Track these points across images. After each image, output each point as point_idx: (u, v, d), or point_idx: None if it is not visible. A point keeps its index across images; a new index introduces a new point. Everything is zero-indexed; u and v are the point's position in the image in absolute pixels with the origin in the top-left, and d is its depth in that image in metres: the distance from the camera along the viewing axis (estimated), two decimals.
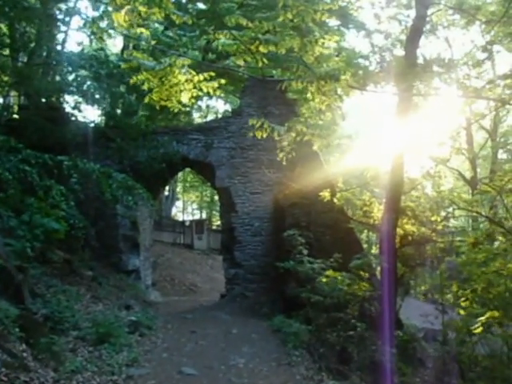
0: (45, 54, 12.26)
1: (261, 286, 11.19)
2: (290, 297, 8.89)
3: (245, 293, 11.23)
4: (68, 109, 11.50)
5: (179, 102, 5.74)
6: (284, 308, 9.75)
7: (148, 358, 6.48)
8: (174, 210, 30.44)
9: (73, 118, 11.13)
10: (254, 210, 11.79)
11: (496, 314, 6.93)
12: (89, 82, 10.01)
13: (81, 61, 9.82)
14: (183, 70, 5.31)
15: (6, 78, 11.58)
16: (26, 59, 11.95)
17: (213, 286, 16.39)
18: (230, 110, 22.04)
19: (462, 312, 7.98)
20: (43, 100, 11.33)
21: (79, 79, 10.08)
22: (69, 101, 10.93)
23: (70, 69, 10.03)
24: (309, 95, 5.86)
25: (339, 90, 5.62)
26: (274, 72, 14.33)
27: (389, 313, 7.65)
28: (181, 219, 29.28)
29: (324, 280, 7.99)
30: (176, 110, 6.10)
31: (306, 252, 8.92)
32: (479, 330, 7.12)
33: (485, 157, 24.02)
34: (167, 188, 24.05)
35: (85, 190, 8.44)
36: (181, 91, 5.49)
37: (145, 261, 12.06)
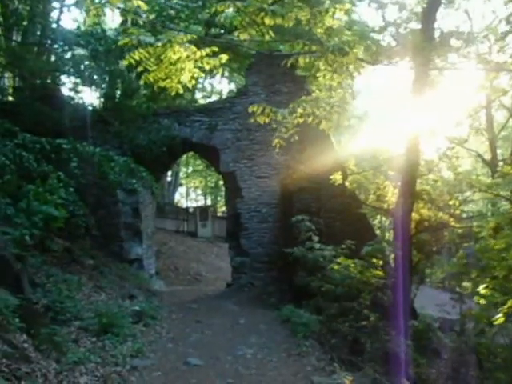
0: (39, 32, 12.14)
1: (268, 275, 11.20)
2: (300, 286, 8.89)
3: (252, 282, 11.25)
4: (65, 90, 11.45)
5: (179, 82, 5.50)
6: (293, 297, 9.71)
7: (153, 349, 6.52)
8: (176, 197, 30.50)
9: (70, 101, 11.05)
10: (261, 195, 11.72)
11: None
12: (86, 62, 9.86)
13: (77, 38, 9.67)
14: (184, 46, 5.08)
15: None
16: (19, 38, 11.84)
17: (218, 275, 16.51)
18: (234, 89, 21.84)
19: (481, 301, 7.90)
20: (38, 81, 11.26)
21: (76, 58, 9.94)
22: (65, 82, 10.84)
23: (66, 47, 9.88)
24: (318, 72, 5.70)
25: (350, 67, 5.44)
26: (281, 47, 14.10)
27: (403, 302, 7.62)
28: (184, 206, 29.37)
29: (335, 268, 7.94)
30: (176, 92, 5.87)
31: (316, 239, 8.88)
32: (501, 319, 6.99)
33: (505, 138, 23.59)
34: (169, 173, 24.07)
35: (85, 176, 8.45)
36: (181, 69, 5.27)
37: (147, 249, 12.11)
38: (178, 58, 5.19)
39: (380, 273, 7.97)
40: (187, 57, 5.17)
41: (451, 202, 10.38)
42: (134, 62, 5.29)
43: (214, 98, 24.05)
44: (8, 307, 4.93)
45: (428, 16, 8.44)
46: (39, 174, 7.01)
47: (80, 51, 10.05)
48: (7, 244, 5.97)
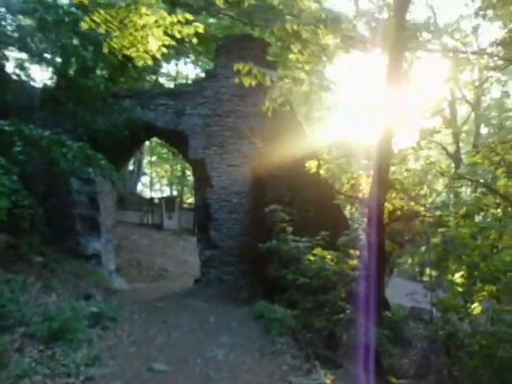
0: None
1: (239, 269, 10.88)
2: (272, 279, 8.66)
3: (222, 277, 10.89)
4: (9, 67, 10.43)
5: (146, 52, 5.03)
6: (265, 292, 9.51)
7: (112, 355, 6.06)
8: (139, 187, 29.49)
9: (14, 77, 10.05)
10: (232, 184, 11.33)
11: (493, 288, 6.97)
12: (33, 34, 8.92)
13: (22, 5, 8.70)
14: (152, 9, 4.65)
15: None
16: None
17: (185, 270, 16.02)
18: (201, 74, 21.15)
19: (459, 289, 7.99)
20: None
21: (21, 29, 8.99)
22: (8, 56, 9.80)
23: (9, 16, 8.89)
24: (291, 56, 5.45)
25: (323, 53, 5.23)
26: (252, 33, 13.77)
27: (377, 292, 7.59)
28: (148, 196, 28.40)
29: (311, 259, 7.74)
30: (142, 64, 5.36)
31: (290, 230, 8.61)
32: (478, 309, 7.18)
33: (467, 132, 25.25)
34: (132, 162, 23.13)
35: (31, 163, 7.66)
36: (148, 36, 4.80)
37: (107, 243, 11.41)
38: (144, 25, 4.72)
39: (355, 263, 7.87)
40: (155, 22, 4.73)
41: (422, 192, 10.53)
42: (93, 26, 4.70)
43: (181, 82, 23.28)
44: None
45: (401, 6, 8.23)
46: None
47: (27, 21, 9.12)
48: None
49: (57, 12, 8.51)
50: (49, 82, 11.33)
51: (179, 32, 4.83)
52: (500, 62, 8.30)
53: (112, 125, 10.12)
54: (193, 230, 20.79)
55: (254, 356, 6.48)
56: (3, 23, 8.60)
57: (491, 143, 9.00)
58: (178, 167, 29.14)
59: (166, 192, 32.82)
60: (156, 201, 24.41)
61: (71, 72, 10.11)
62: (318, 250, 7.88)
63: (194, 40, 5.32)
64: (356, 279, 7.83)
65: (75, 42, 9.26)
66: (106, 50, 5.09)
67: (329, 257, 7.75)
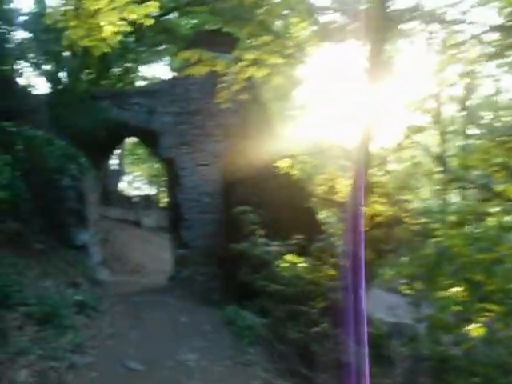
0: None
1: (211, 270, 10.91)
2: (243, 283, 8.40)
3: (194, 276, 11.00)
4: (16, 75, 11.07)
5: (103, 40, 4.92)
6: (236, 295, 9.32)
7: (92, 345, 6.47)
8: (122, 185, 30.03)
9: (17, 85, 10.80)
10: (202, 184, 11.45)
11: (496, 308, 5.75)
12: (28, 43, 9.60)
13: (18, 17, 9.38)
14: None
15: None
16: None
17: (161, 267, 16.41)
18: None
19: (456, 308, 6.54)
20: None
21: (21, 41, 9.67)
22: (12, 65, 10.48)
23: (11, 28, 9.53)
24: (263, 56, 5.27)
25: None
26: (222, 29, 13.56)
27: (356, 305, 6.88)
28: (129, 194, 29.04)
29: (283, 266, 7.55)
30: (100, 53, 5.41)
31: (261, 232, 8.49)
32: (480, 331, 5.67)
33: (454, 132, 23.01)
34: (114, 161, 23.71)
35: (30, 161, 8.35)
36: (102, 24, 4.65)
37: (93, 236, 11.91)
38: (99, 10, 4.52)
39: (332, 272, 7.48)
40: (109, 3, 4.48)
41: (406, 197, 9.99)
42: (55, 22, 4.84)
43: None
44: None
45: None
46: None
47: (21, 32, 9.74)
48: None
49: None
50: (42, 86, 12.17)
51: (133, 12, 4.57)
52: (492, 50, 7.56)
53: (91, 125, 10.70)
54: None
55: (225, 364, 6.46)
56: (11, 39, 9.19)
57: (489, 144, 8.28)
58: (157, 167, 29.62)
59: (146, 191, 33.44)
60: (135, 199, 25.14)
61: (61, 77, 10.79)
62: (289, 256, 7.60)
63: (148, 22, 4.93)
64: (333, 290, 7.39)
65: (61, 48, 9.90)
66: (65, 42, 5.07)
67: (302, 264, 7.44)
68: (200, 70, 5.25)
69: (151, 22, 4.95)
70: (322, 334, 7.03)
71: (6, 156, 7.19)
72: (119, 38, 5.04)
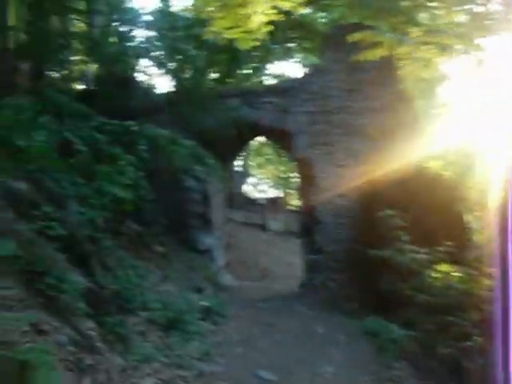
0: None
1: (346, 277, 10.39)
2: (385, 292, 8.13)
3: (327, 283, 10.55)
4: (137, 74, 11.63)
5: (249, 32, 4.69)
6: (375, 305, 8.86)
7: (220, 352, 6.21)
8: (246, 187, 30.67)
9: (142, 84, 11.24)
10: (340, 185, 10.87)
11: None
12: (155, 43, 9.88)
13: (144, 17, 9.70)
14: None
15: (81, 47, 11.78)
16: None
17: (289, 273, 16.09)
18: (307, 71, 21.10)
19: None
20: (113, 66, 11.51)
21: (148, 41, 10.01)
22: (134, 65, 10.99)
23: (135, 28, 9.96)
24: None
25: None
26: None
27: (506, 318, 6.63)
28: (254, 197, 29.39)
29: (435, 276, 7.13)
30: (245, 47, 5.16)
31: (406, 238, 8.05)
32: None
33: None
34: (239, 163, 24.13)
35: (154, 161, 8.46)
36: (250, 16, 4.41)
37: (218, 240, 11.91)
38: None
39: (488, 282, 6.94)
40: None
41: None
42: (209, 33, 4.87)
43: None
44: (76, 290, 4.72)
45: None
46: (110, 155, 7.10)
47: (147, 32, 10.08)
48: (81, 224, 5.91)
49: (172, 19, 9.26)
50: (166, 84, 12.54)
51: (287, 1, 4.32)
52: None
53: (220, 124, 10.59)
54: (297, 232, 20.92)
55: (368, 379, 6.11)
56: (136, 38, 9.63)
57: None
58: (284, 169, 29.55)
59: (272, 193, 33.59)
60: (261, 201, 25.12)
61: (187, 75, 10.93)
62: (443, 266, 7.23)
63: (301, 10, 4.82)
64: (488, 301, 6.81)
65: (188, 46, 9.96)
66: (208, 35, 5.00)
67: (456, 274, 7.05)
68: (375, 54, 4.80)
69: (302, 9, 4.59)
70: (474, 348, 6.66)
71: (129, 156, 7.21)
72: (268, 29, 4.81)
